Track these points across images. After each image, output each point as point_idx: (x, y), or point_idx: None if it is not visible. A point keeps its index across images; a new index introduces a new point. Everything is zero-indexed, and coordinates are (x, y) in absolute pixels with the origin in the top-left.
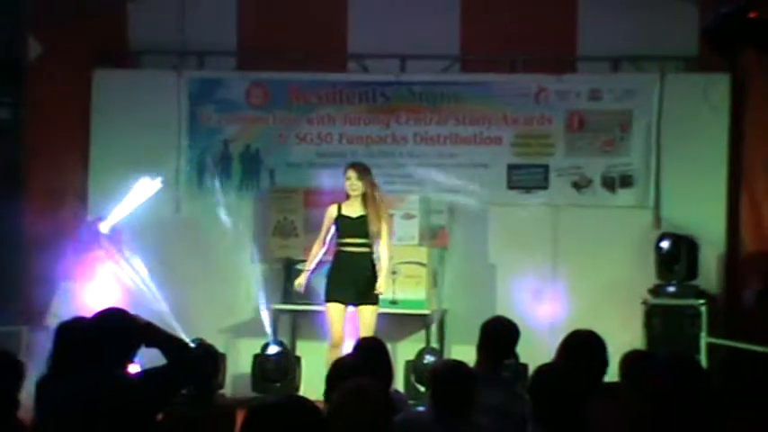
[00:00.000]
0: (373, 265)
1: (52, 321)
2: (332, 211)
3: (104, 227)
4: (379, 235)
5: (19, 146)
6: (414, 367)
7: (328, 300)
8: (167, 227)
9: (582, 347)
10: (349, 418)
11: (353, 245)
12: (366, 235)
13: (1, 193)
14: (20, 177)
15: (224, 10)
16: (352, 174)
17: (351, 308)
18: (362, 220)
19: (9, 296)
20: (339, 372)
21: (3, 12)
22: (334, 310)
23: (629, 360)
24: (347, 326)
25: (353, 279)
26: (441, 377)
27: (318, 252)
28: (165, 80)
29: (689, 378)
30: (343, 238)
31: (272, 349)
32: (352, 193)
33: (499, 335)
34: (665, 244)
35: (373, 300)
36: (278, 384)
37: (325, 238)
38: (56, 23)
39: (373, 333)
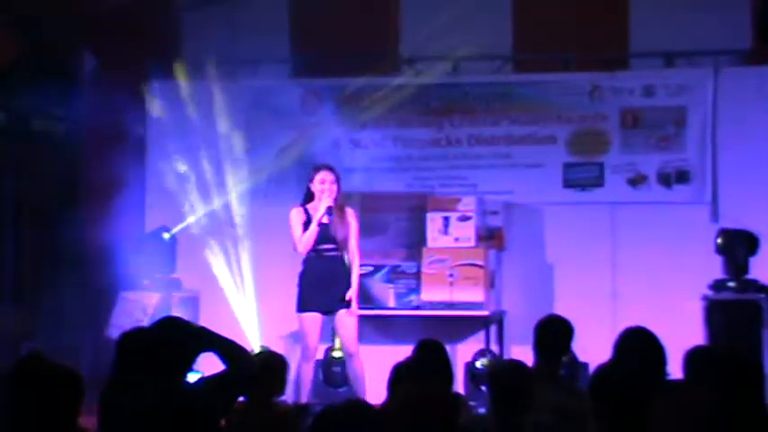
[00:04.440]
0: (347, 268)
1: (113, 332)
2: (300, 214)
3: (162, 238)
4: (345, 241)
5: (75, 160)
6: (473, 369)
7: (303, 310)
8: (225, 235)
9: (636, 344)
10: (413, 422)
11: (324, 250)
12: (336, 241)
13: (59, 208)
14: (77, 191)
15: (276, 18)
16: (328, 176)
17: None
18: (331, 226)
19: (72, 310)
20: (400, 375)
21: (59, 25)
22: (310, 322)
23: (693, 356)
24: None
25: (328, 285)
26: (499, 377)
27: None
28: (220, 89)
29: (746, 376)
30: (314, 244)
31: (335, 354)
32: (327, 196)
33: (553, 333)
34: (723, 239)
35: (349, 303)
36: (339, 390)
37: None
38: (110, 37)
39: (356, 338)
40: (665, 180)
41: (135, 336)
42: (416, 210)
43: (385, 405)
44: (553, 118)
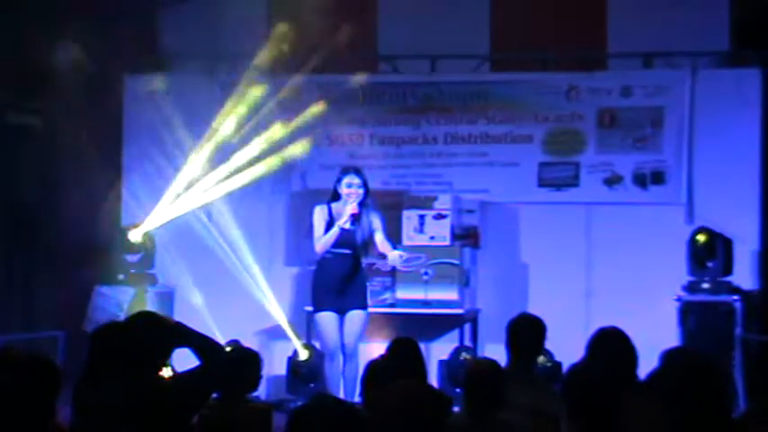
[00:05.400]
0: (360, 267)
1: (88, 326)
2: (323, 213)
3: (138, 234)
4: (366, 246)
5: (51, 153)
6: (448, 367)
7: (320, 309)
8: (200, 231)
9: (608, 344)
10: (405, 420)
11: (342, 254)
12: (355, 247)
13: (34, 201)
14: (53, 185)
15: (255, 13)
16: (354, 180)
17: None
18: (353, 231)
19: (46, 302)
20: (374, 373)
21: (35, 19)
22: (328, 321)
23: (670, 357)
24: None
25: (343, 285)
26: (473, 376)
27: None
28: (196, 85)
29: (700, 380)
30: (331, 247)
31: (305, 352)
32: (352, 199)
33: (526, 332)
34: (698, 240)
35: (362, 304)
36: (312, 386)
37: None
38: (88, 30)
39: (360, 339)
40: (641, 180)
41: (109, 330)
42: (392, 207)
43: (373, 401)
44: (530, 117)
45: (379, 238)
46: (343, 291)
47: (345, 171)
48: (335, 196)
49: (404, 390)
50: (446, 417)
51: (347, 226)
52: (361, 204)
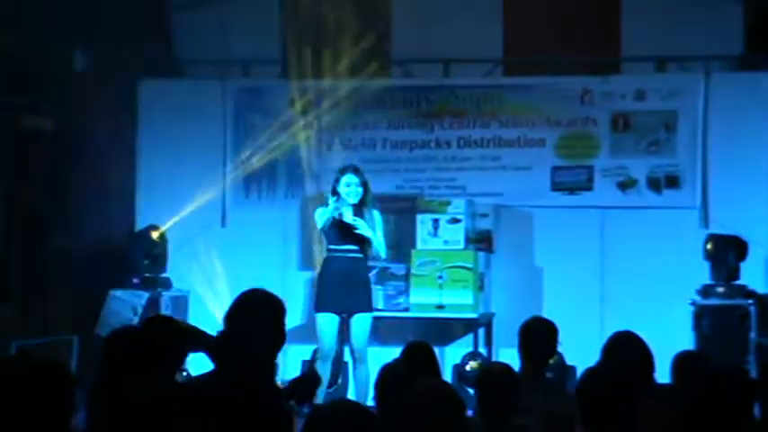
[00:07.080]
0: (367, 270)
1: (102, 330)
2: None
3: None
4: (369, 243)
5: (65, 157)
6: (461, 371)
7: (320, 309)
8: (214, 234)
9: (624, 348)
10: (432, 418)
11: (346, 251)
12: (360, 242)
13: (48, 205)
14: (67, 189)
15: (267, 18)
16: (353, 179)
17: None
18: (355, 228)
19: (60, 306)
20: (387, 377)
21: (49, 24)
22: (326, 322)
23: (682, 361)
24: (339, 337)
25: (346, 286)
26: (486, 380)
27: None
28: (209, 89)
29: (740, 391)
30: (335, 244)
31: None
32: (351, 200)
33: (537, 335)
34: (712, 244)
35: (368, 306)
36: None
37: None
38: (101, 35)
39: (366, 342)
40: (655, 184)
41: (124, 334)
42: (406, 212)
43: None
44: (543, 121)
45: (379, 235)
46: (347, 291)
47: (343, 171)
48: (337, 196)
49: (431, 387)
50: (465, 417)
51: (348, 219)
52: (361, 202)
